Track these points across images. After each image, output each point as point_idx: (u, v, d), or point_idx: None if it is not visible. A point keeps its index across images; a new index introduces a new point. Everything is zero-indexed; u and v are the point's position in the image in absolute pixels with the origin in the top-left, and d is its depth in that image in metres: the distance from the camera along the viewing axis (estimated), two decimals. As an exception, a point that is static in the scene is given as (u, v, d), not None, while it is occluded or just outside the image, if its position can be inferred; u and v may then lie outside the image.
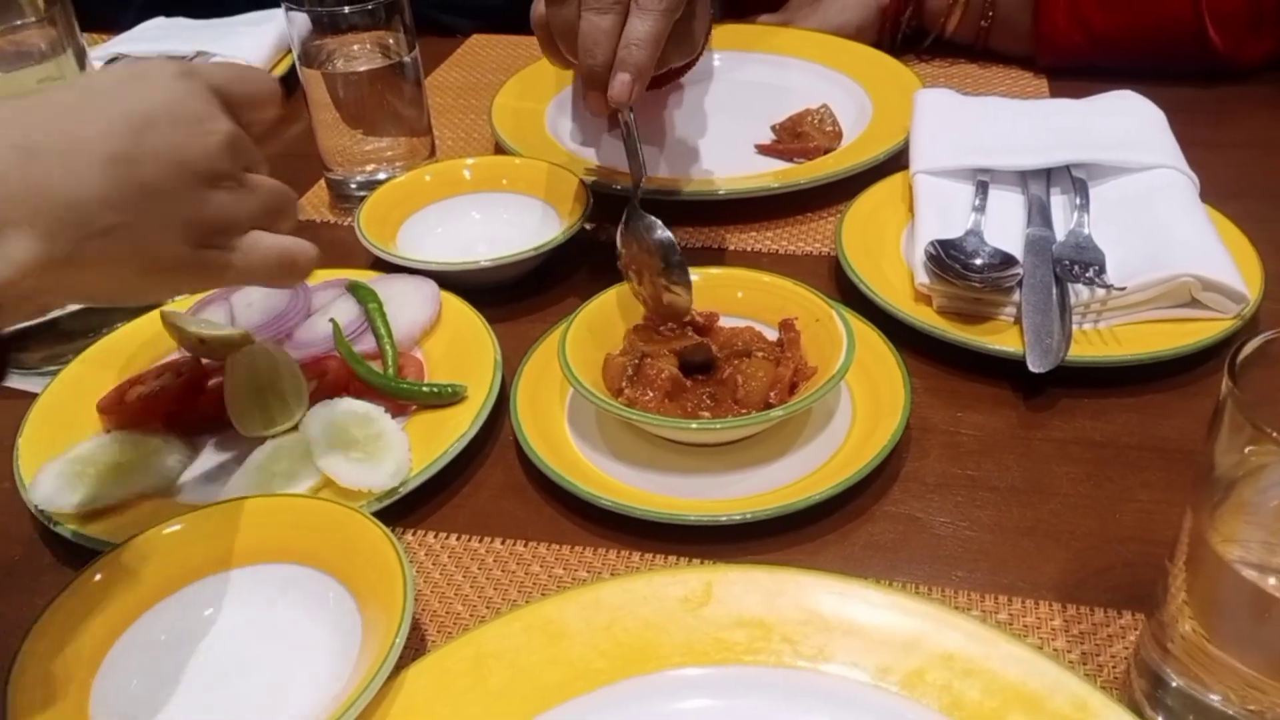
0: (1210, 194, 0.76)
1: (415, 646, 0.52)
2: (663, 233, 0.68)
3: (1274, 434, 0.37)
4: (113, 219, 0.43)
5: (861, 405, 0.63)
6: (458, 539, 0.58)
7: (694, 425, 0.59)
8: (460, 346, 0.68)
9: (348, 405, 0.61)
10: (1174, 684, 0.44)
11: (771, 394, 0.61)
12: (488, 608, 0.54)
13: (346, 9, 0.82)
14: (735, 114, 0.99)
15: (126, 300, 0.63)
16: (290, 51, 0.90)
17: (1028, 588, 0.53)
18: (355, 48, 0.85)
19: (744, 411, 0.60)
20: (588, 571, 0.56)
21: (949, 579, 0.54)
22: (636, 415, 0.58)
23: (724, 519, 0.56)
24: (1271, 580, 0.40)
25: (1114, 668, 0.49)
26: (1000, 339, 0.66)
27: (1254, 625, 0.41)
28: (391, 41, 0.86)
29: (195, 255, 0.46)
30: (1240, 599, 0.41)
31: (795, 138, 0.93)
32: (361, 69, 0.85)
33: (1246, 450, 0.40)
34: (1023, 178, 0.80)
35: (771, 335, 0.66)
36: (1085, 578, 0.54)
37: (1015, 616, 0.52)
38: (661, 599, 0.50)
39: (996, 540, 0.56)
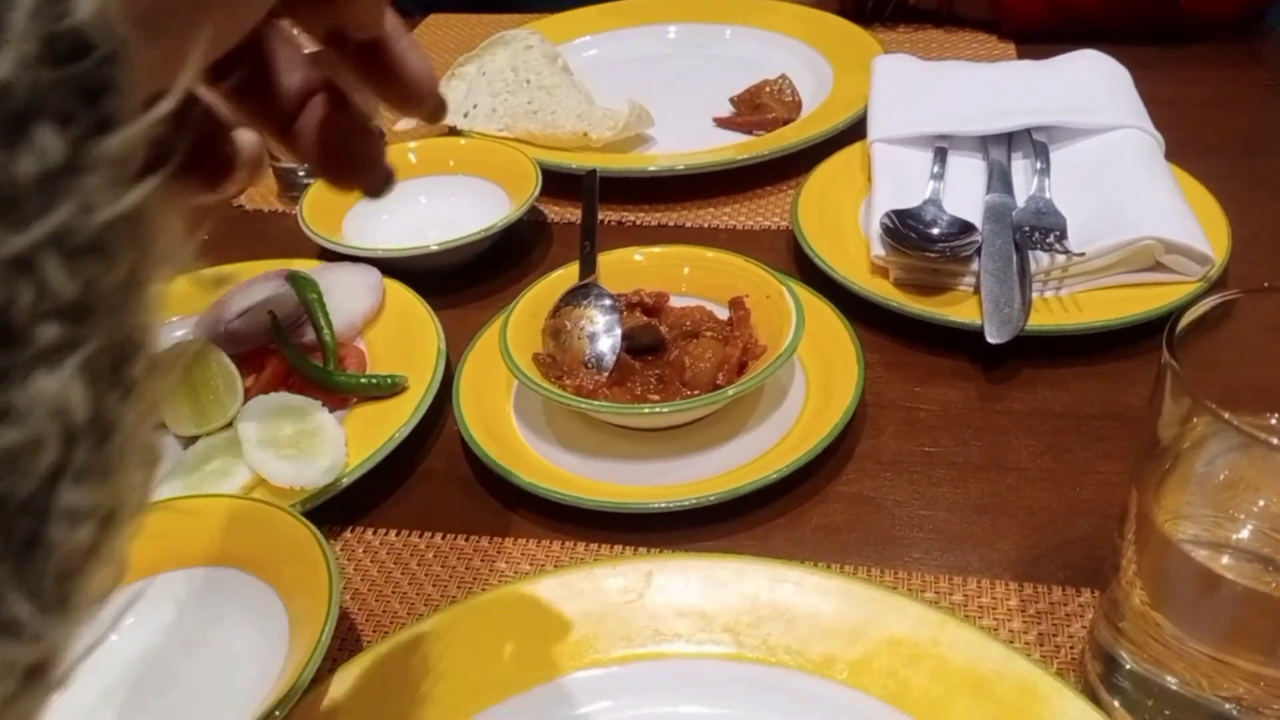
0: (1175, 153, 0.74)
1: (351, 648, 0.50)
2: (601, 344, 0.60)
3: (1210, 405, 0.35)
4: None
5: (815, 383, 0.61)
6: (397, 534, 0.56)
7: (644, 410, 0.57)
8: (404, 335, 0.66)
9: (283, 400, 0.59)
10: (1128, 666, 0.43)
11: (720, 374, 0.59)
12: (426, 605, 0.52)
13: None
14: (692, 87, 0.97)
15: None
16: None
17: (983, 566, 0.52)
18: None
19: (692, 393, 0.58)
20: (530, 564, 0.54)
21: (902, 560, 0.52)
22: (582, 403, 0.56)
23: (668, 506, 0.54)
24: (1224, 559, 0.38)
25: (1071, 648, 0.48)
26: (958, 310, 0.65)
27: (1203, 603, 0.39)
28: (333, 23, 0.83)
29: None
30: (1188, 577, 0.39)
31: (754, 110, 0.91)
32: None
33: (1191, 421, 0.38)
34: (983, 143, 0.78)
35: (723, 314, 0.64)
36: (1042, 554, 0.52)
37: (970, 597, 0.50)
38: (601, 592, 0.48)
39: (952, 518, 0.54)
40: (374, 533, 0.56)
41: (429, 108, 0.34)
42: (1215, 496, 0.39)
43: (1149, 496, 0.40)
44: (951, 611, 0.47)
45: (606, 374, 0.59)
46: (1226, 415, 0.35)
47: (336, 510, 0.57)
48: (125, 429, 0.18)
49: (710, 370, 0.59)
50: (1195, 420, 0.37)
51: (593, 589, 0.48)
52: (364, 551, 0.55)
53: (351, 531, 0.56)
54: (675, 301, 0.66)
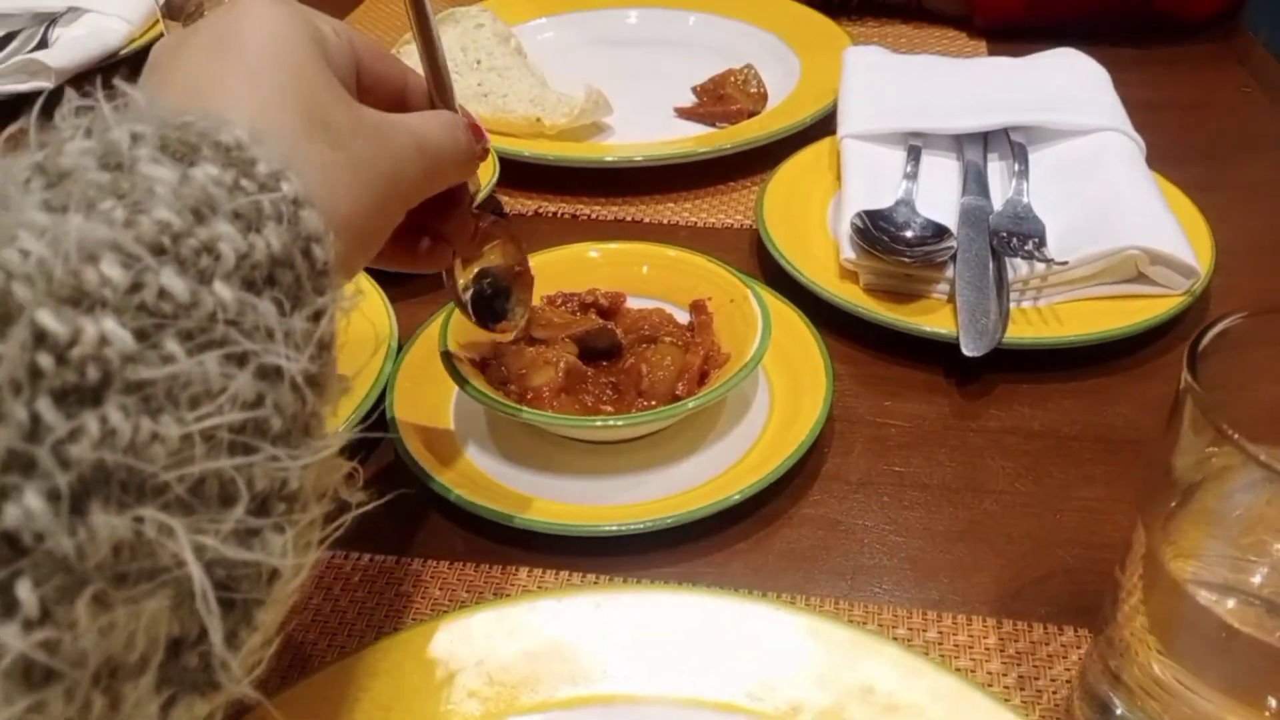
0: (1153, 158, 0.71)
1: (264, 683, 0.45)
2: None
3: (1237, 437, 0.31)
4: None
5: (780, 395, 0.57)
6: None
7: (598, 423, 0.52)
8: (353, 329, 0.60)
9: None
10: (1120, 712, 0.39)
11: (680, 384, 0.54)
12: (350, 635, 0.47)
13: (214, -46, 0.74)
14: (653, 75, 0.92)
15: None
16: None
17: (959, 601, 0.48)
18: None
19: (649, 404, 0.54)
20: (468, 591, 0.49)
21: (872, 592, 0.48)
22: (528, 414, 0.51)
23: (619, 530, 0.49)
24: (1241, 605, 0.35)
25: (1054, 693, 0.44)
26: (932, 319, 0.61)
27: (1215, 652, 0.35)
28: (268, -8, 0.77)
29: None
30: (1200, 624, 0.36)
31: (717, 100, 0.86)
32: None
33: (1208, 450, 0.34)
34: (958, 142, 0.74)
35: (684, 317, 0.60)
36: (1023, 587, 0.48)
37: (945, 634, 0.46)
38: (544, 626, 0.43)
39: (925, 546, 0.50)
40: (294, 552, 0.51)
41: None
42: (1235, 536, 0.35)
43: (1157, 532, 0.36)
44: (928, 654, 0.43)
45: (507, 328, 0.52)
46: (1251, 448, 0.31)
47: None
48: None
49: (669, 379, 0.54)
50: (1215, 451, 0.33)
51: (535, 623, 0.43)
52: (282, 573, 0.50)
53: (269, 550, 0.51)
54: (632, 303, 0.61)
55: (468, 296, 0.51)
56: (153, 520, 0.23)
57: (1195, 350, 0.33)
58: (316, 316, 0.28)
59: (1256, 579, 0.35)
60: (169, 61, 0.34)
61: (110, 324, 0.23)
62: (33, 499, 0.21)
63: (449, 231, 0.46)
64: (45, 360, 0.22)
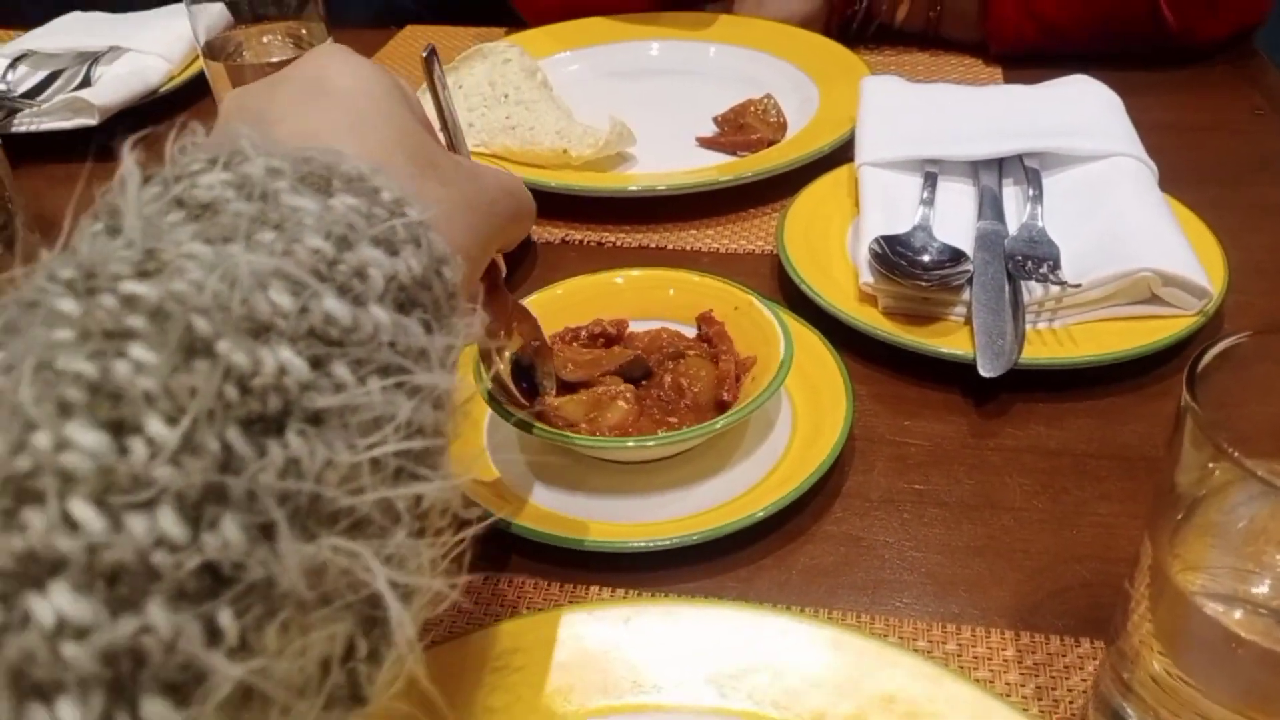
0: (1166, 180, 0.72)
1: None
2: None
3: (1234, 453, 0.33)
4: None
5: (802, 415, 0.59)
6: (360, 572, 0.53)
7: (630, 443, 0.53)
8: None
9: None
10: (1136, 724, 0.40)
11: (724, 391, 0.56)
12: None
13: (255, -4, 0.77)
14: (675, 106, 0.95)
15: None
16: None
17: (978, 614, 0.49)
18: (266, 39, 0.80)
19: (704, 416, 0.55)
20: (501, 605, 0.51)
21: (893, 606, 0.50)
22: (559, 436, 0.54)
23: (646, 545, 0.51)
24: (1246, 615, 0.36)
25: (1071, 703, 0.45)
26: (949, 341, 0.62)
27: (1222, 661, 0.37)
28: (305, 32, 0.80)
29: None
30: (1206, 634, 0.37)
31: (738, 130, 0.88)
32: (274, 60, 0.80)
33: (1209, 466, 0.36)
34: (973, 168, 0.76)
35: (689, 333, 0.62)
36: (1040, 601, 0.50)
37: (964, 646, 0.48)
38: (577, 639, 0.45)
39: (945, 561, 0.52)
40: (335, 570, 0.53)
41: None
42: (1238, 548, 0.37)
43: (1164, 545, 0.37)
44: (947, 665, 0.44)
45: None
46: (1249, 464, 0.32)
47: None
48: None
49: (711, 388, 0.56)
50: (1216, 467, 0.35)
51: (569, 635, 0.45)
52: (324, 590, 0.52)
53: (311, 568, 0.53)
54: (634, 326, 0.63)
55: (508, 373, 0.54)
56: (335, 546, 0.23)
57: (1195, 370, 0.35)
58: (453, 336, 0.29)
59: (1262, 589, 0.37)
60: (263, 108, 0.34)
61: (287, 353, 0.23)
62: (230, 528, 0.21)
63: (488, 310, 0.47)
64: (231, 391, 0.22)
